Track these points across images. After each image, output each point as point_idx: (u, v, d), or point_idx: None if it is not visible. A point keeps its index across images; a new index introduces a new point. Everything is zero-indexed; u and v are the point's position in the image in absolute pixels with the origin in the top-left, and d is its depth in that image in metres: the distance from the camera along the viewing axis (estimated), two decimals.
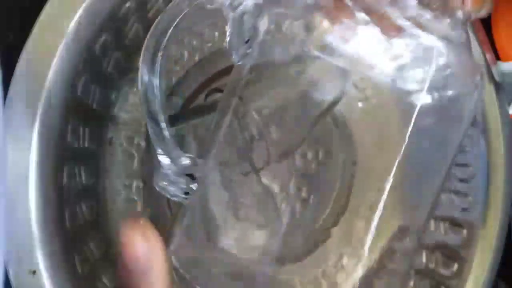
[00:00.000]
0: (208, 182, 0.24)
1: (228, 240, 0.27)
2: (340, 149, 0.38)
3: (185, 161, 0.22)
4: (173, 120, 0.32)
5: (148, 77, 0.21)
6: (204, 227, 0.26)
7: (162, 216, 0.33)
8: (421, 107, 0.23)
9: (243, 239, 0.29)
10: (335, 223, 0.38)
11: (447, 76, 0.23)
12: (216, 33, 0.34)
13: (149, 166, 0.33)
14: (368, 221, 0.28)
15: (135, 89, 0.32)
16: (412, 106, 0.24)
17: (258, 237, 0.30)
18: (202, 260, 0.25)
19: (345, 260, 0.38)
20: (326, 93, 0.27)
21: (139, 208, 0.32)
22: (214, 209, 0.26)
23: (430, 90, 0.23)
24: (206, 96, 0.34)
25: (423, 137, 0.25)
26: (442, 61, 0.22)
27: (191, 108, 0.34)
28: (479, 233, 0.33)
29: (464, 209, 0.35)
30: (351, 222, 0.38)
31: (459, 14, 0.21)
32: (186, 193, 0.23)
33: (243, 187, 0.28)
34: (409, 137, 0.24)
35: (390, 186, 0.26)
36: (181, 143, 0.31)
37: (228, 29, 0.22)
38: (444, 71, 0.23)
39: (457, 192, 0.35)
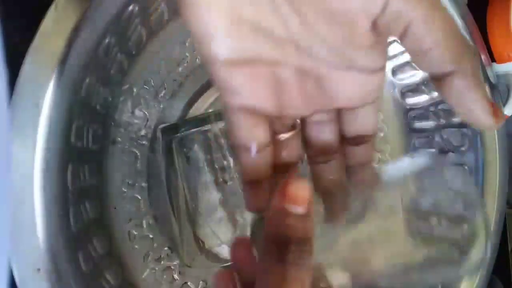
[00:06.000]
0: None
1: None
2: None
3: None
4: (175, 128, 0.32)
5: None
6: None
7: (165, 215, 0.33)
8: None
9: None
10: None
11: None
12: None
13: (152, 165, 0.33)
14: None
15: (137, 90, 0.33)
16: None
17: None
18: None
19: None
20: None
21: (142, 207, 0.33)
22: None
23: None
24: None
25: None
26: None
27: (192, 117, 0.34)
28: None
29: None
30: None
31: None
32: None
33: None
34: None
35: None
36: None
37: None
38: None
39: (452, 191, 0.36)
